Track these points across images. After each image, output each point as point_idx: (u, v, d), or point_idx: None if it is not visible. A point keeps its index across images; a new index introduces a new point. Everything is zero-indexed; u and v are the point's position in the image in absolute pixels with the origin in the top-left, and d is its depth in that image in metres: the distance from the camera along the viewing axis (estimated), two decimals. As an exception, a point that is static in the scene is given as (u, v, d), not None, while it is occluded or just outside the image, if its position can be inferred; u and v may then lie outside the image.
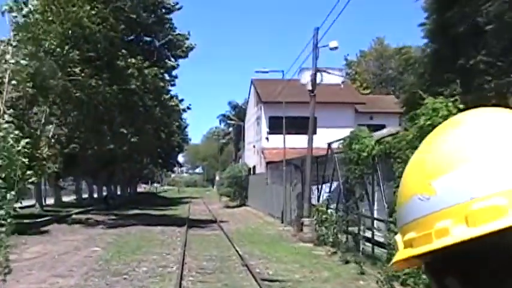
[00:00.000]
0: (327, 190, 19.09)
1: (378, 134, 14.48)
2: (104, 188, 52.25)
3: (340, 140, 17.35)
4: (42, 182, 36.16)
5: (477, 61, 14.89)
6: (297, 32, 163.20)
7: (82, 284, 11.25)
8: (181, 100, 29.80)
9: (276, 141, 36.22)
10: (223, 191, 49.20)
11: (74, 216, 28.69)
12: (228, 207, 44.36)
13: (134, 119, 27.36)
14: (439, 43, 17.30)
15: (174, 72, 29.27)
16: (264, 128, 40.39)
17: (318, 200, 19.71)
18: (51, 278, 11.75)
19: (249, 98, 51.17)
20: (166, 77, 28.60)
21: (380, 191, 12.99)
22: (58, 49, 24.28)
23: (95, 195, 49.01)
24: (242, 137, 55.72)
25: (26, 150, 21.70)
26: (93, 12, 24.59)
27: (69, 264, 13.50)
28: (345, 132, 22.30)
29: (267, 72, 29.75)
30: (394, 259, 0.86)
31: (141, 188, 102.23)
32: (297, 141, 31.10)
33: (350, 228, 15.72)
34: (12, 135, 21.49)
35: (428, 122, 9.53)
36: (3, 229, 9.80)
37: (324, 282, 11.94)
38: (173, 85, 29.63)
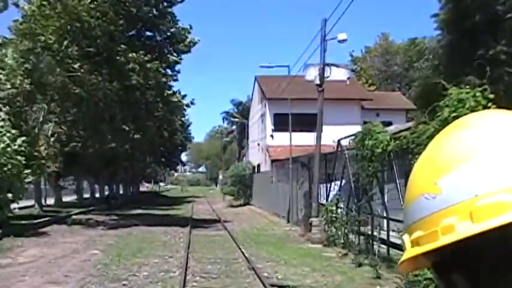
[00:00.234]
0: (337, 188, 18.30)
1: (392, 129, 13.66)
2: (106, 188, 51.53)
3: (350, 136, 16.55)
4: (42, 182, 35.44)
5: (497, 51, 14.08)
6: (302, 29, 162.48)
7: (77, 291, 10.50)
8: (184, 96, 28.92)
9: (281, 138, 35.48)
10: (226, 190, 48.41)
11: (74, 216, 27.87)
12: (232, 206, 43.61)
13: (136, 116, 26.46)
14: (454, 34, 16.49)
15: (176, 67, 28.41)
16: (269, 125, 39.59)
17: (327, 199, 18.90)
18: (45, 284, 10.96)
19: (252, 95, 50.34)
20: (169, 72, 27.73)
21: (396, 189, 12.14)
22: (56, 44, 23.52)
23: (97, 195, 48.23)
24: (246, 135, 54.90)
25: (23, 149, 21.16)
26: (92, 6, 23.79)
27: (66, 269, 12.70)
28: (351, 129, 21.57)
29: (272, 67, 28.96)
30: (402, 258, 0.86)
31: (144, 187, 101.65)
32: (303, 139, 30.42)
33: (362, 229, 14.91)
34: (8, 134, 20.85)
35: (454, 114, 8.70)
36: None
37: (337, 287, 11.13)
38: (176, 80, 28.77)
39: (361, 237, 14.72)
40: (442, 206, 0.80)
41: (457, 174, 0.80)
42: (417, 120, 16.43)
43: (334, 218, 16.56)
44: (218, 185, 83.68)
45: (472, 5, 15.17)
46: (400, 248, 11.59)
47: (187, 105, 29.99)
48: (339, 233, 16.15)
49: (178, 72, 28.72)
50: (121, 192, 60.84)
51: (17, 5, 24.50)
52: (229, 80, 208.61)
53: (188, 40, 27.21)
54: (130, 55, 24.19)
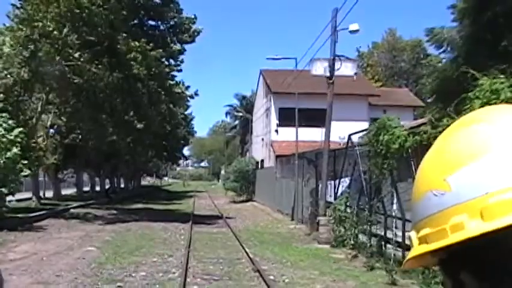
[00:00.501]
0: (345, 186, 17.42)
1: (407, 124, 12.78)
2: (107, 181, 50.77)
3: (362, 131, 15.67)
4: (41, 174, 34.68)
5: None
6: (309, 23, 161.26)
7: (68, 294, 9.67)
8: (188, 87, 28.04)
9: (286, 133, 34.68)
10: (229, 186, 47.59)
11: (72, 210, 27.11)
12: (234, 202, 42.79)
13: (138, 105, 25.48)
14: (473, 25, 15.64)
15: (180, 57, 27.46)
16: (274, 120, 38.73)
17: (335, 197, 18.02)
18: (33, 285, 10.11)
19: (257, 89, 49.47)
20: (172, 62, 26.82)
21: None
22: (55, 32, 22.63)
23: (97, 189, 47.44)
24: (250, 130, 54.03)
25: (19, 140, 20.32)
26: (93, -8, 22.89)
27: (58, 268, 11.85)
28: (358, 125, 20.72)
29: (279, 59, 28.07)
30: (409, 256, 0.85)
31: (146, 181, 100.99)
32: (308, 134, 29.68)
33: (373, 230, 14.02)
34: (4, 124, 19.99)
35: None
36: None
37: (350, 293, 10.29)
38: (180, 71, 27.85)
39: (373, 239, 13.83)
40: (451, 203, 0.78)
41: (467, 171, 0.77)
42: (431, 114, 15.57)
43: (343, 218, 15.67)
44: (220, 180, 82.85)
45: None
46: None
47: (191, 97, 29.15)
48: (348, 233, 15.26)
49: (182, 62, 27.86)
50: (122, 186, 60.08)
51: None
52: (232, 74, 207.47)
53: (192, 29, 26.30)
54: (132, 44, 23.28)
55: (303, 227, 21.77)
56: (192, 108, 73.18)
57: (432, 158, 0.86)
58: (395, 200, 12.47)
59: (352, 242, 14.84)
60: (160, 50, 24.49)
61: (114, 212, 28.61)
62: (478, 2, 15.45)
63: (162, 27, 26.90)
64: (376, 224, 13.70)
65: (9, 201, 23.58)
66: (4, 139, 19.07)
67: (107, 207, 31.31)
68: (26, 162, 20.38)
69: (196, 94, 29.06)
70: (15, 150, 19.19)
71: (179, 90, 27.20)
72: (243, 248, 15.51)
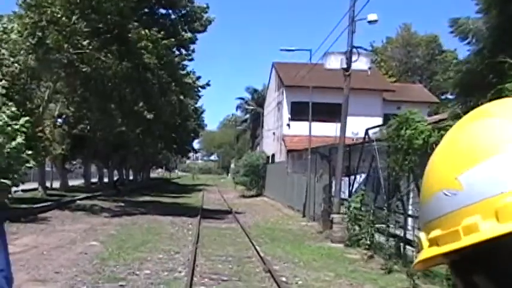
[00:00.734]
0: (361, 183, 16.68)
1: (431, 119, 12.02)
2: (115, 173, 50.27)
3: (380, 125, 14.91)
4: (49, 164, 34.19)
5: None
6: (323, 15, 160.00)
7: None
8: (199, 77, 27.32)
9: (298, 128, 33.98)
10: (239, 180, 46.89)
11: (78, 202, 26.54)
12: (243, 196, 42.14)
13: (148, 94, 24.77)
14: (500, 16, 14.79)
15: (191, 47, 26.74)
16: (286, 113, 37.97)
17: (349, 195, 17.29)
18: (29, 282, 9.48)
19: (269, 82, 48.71)
20: (183, 52, 26.11)
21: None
22: (63, 18, 21.99)
23: (105, 180, 46.95)
24: (260, 124, 53.31)
25: (24, 129, 19.71)
26: (103, -22, 22.22)
27: (58, 264, 11.22)
28: (372, 121, 20.03)
29: (293, 50, 27.40)
30: (419, 258, 0.80)
31: (155, 173, 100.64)
32: (321, 129, 29.04)
33: (391, 230, 13.27)
34: (8, 112, 19.38)
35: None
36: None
37: (368, 299, 9.58)
38: (191, 60, 27.11)
39: (391, 239, 13.08)
40: (463, 203, 0.73)
41: (481, 169, 0.72)
42: (453, 108, 14.78)
43: (359, 216, 14.93)
44: (230, 174, 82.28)
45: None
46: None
47: (203, 87, 28.40)
48: (364, 232, 14.52)
49: (193, 51, 27.14)
50: (130, 177, 59.61)
51: None
52: (244, 67, 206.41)
53: (204, 18, 25.57)
54: (142, 32, 22.59)
55: (315, 224, 21.07)
56: (203, 101, 72.62)
57: (442, 154, 0.80)
58: (411, 199, 11.73)
59: (368, 241, 14.10)
60: (172, 39, 23.77)
61: (122, 204, 28.04)
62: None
63: (173, 16, 26.19)
64: (395, 223, 12.95)
65: (15, 192, 23.07)
66: (9, 128, 18.49)
67: (114, 199, 30.77)
68: (31, 152, 19.80)
69: (208, 84, 28.34)
70: (19, 139, 18.60)
71: (190, 81, 26.48)
72: (253, 245, 14.84)
